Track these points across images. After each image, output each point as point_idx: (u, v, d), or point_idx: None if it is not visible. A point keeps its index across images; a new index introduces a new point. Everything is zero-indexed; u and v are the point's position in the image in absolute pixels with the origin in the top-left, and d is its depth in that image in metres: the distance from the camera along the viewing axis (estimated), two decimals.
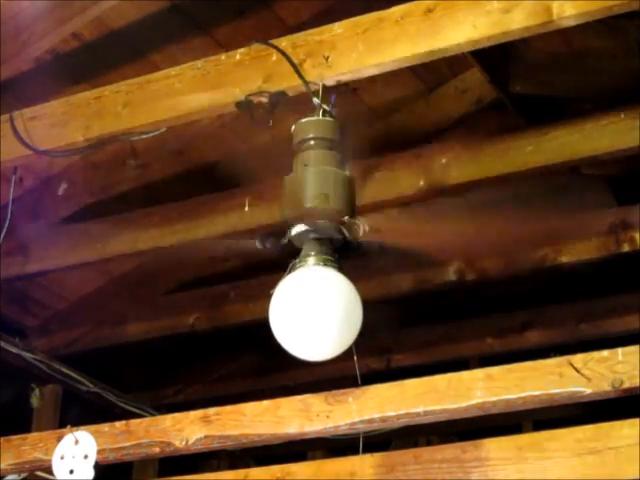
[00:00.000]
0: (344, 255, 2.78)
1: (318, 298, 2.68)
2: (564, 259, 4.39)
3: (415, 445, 5.72)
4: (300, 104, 2.93)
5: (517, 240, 4.27)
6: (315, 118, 2.82)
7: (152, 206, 4.42)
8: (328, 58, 2.88)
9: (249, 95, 2.96)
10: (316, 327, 2.67)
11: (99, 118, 3.22)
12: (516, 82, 4.23)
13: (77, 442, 2.99)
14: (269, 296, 2.74)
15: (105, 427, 3.00)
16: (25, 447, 3.09)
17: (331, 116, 2.82)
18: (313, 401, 2.76)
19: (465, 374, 2.67)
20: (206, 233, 4.27)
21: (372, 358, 5.29)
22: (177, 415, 2.93)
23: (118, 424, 3.00)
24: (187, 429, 2.88)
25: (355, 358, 2.81)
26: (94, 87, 3.36)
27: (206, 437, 2.86)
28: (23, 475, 3.94)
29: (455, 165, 3.96)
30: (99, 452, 2.96)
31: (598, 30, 3.99)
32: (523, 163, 3.90)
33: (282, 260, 2.80)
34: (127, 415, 4.85)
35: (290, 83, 2.92)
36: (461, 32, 2.75)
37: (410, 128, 4.47)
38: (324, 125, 2.81)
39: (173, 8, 3.85)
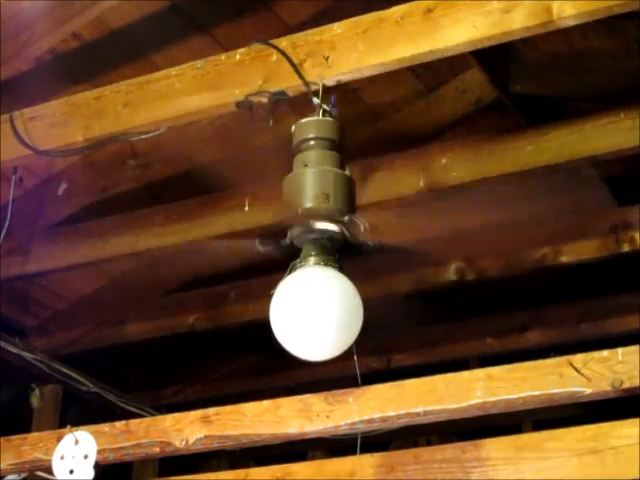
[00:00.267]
0: (344, 255, 2.78)
1: (318, 298, 2.68)
2: (564, 259, 4.39)
3: (415, 445, 5.72)
4: (300, 104, 2.94)
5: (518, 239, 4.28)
6: (315, 118, 2.82)
7: (152, 206, 4.42)
8: (328, 58, 2.88)
9: (249, 95, 2.96)
10: (316, 327, 2.67)
11: (99, 118, 3.22)
12: (516, 82, 4.23)
13: (77, 442, 2.99)
14: (269, 296, 2.74)
15: (105, 427, 3.00)
16: (25, 447, 3.09)
17: (331, 116, 2.82)
18: (313, 401, 2.76)
19: (465, 374, 2.67)
20: (206, 233, 4.27)
21: (372, 358, 5.29)
22: (177, 415, 2.93)
23: (118, 424, 3.00)
24: (187, 429, 2.88)
25: (355, 358, 2.81)
26: (94, 87, 3.36)
27: (206, 437, 2.86)
28: (23, 475, 3.94)
29: (455, 165, 3.96)
30: (99, 452, 2.96)
31: (598, 30, 3.99)
32: (523, 163, 3.90)
33: (282, 260, 2.80)
34: (127, 415, 4.85)
35: (290, 83, 2.92)
36: (461, 32, 2.75)
37: (410, 128, 4.48)
38: (324, 125, 2.81)
39: (173, 8, 3.85)
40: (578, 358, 2.54)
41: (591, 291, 4.99)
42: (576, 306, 5.06)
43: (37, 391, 5.18)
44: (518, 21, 2.69)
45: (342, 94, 3.04)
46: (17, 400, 5.18)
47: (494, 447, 2.68)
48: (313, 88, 2.87)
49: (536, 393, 2.56)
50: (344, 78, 2.92)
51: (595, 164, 4.13)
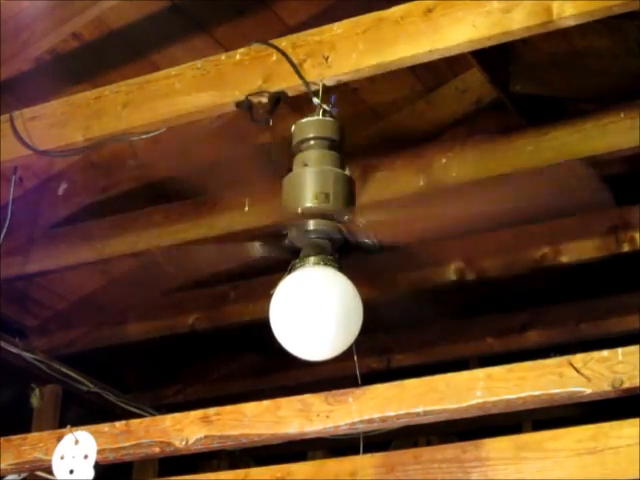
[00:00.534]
0: (344, 255, 2.78)
1: (318, 298, 2.68)
2: (564, 259, 4.39)
3: (415, 445, 5.72)
4: (300, 104, 2.94)
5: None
6: (315, 118, 2.82)
7: (152, 206, 4.42)
8: (328, 58, 2.88)
9: (249, 95, 2.96)
10: (316, 327, 2.67)
11: (99, 118, 3.22)
12: (516, 82, 4.23)
13: (77, 442, 2.99)
14: (269, 296, 2.74)
15: (105, 427, 3.00)
16: (25, 447, 3.09)
17: (331, 116, 2.82)
18: (313, 401, 2.76)
19: (465, 374, 2.67)
20: (206, 233, 4.27)
21: (372, 358, 5.29)
22: (177, 415, 2.93)
23: (118, 424, 3.00)
24: (187, 429, 2.88)
25: (355, 358, 2.82)
26: (94, 87, 3.36)
27: (206, 437, 2.86)
28: (23, 475, 3.94)
29: (455, 165, 3.96)
30: (99, 452, 2.96)
31: (598, 30, 3.99)
32: (523, 163, 3.90)
33: (282, 260, 2.80)
34: (127, 415, 4.85)
35: (290, 83, 2.92)
36: (461, 32, 2.75)
37: (410, 128, 4.47)
38: (324, 125, 2.81)
39: (173, 8, 3.85)
40: (578, 358, 2.54)
41: (591, 291, 4.98)
42: (576, 306, 5.06)
43: (37, 391, 5.18)
44: (518, 21, 2.69)
45: (342, 94, 3.04)
46: (17, 400, 5.18)
47: (494, 447, 2.68)
48: (313, 88, 2.87)
49: (536, 393, 2.56)
50: (344, 78, 2.92)
51: (595, 164, 4.13)
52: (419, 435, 5.89)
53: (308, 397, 2.78)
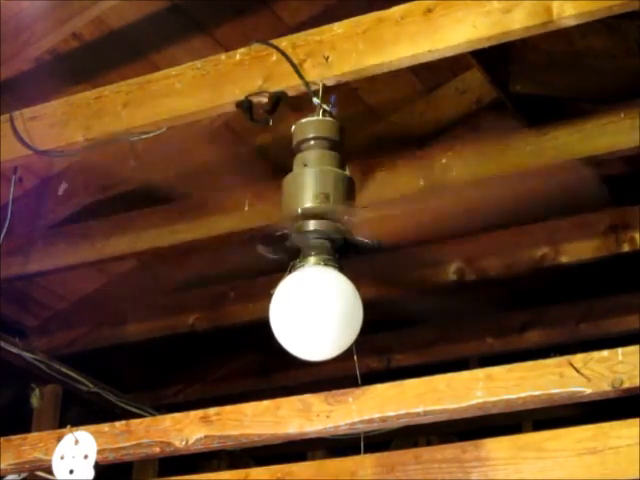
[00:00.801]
0: (344, 255, 2.78)
1: (318, 298, 2.68)
2: (564, 259, 4.39)
3: (415, 445, 5.71)
4: (300, 104, 2.94)
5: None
6: (315, 118, 2.82)
7: (152, 206, 4.42)
8: (328, 58, 2.88)
9: (249, 95, 2.96)
10: (316, 327, 2.67)
11: (99, 118, 3.22)
12: (516, 82, 4.23)
13: (77, 442, 2.99)
14: (269, 296, 2.74)
15: (105, 427, 3.00)
16: (25, 447, 3.08)
17: (331, 116, 2.83)
18: (313, 401, 2.76)
19: (465, 374, 2.67)
20: (206, 233, 4.27)
21: (372, 358, 5.29)
22: (177, 415, 2.93)
23: (118, 424, 3.00)
24: (187, 429, 2.88)
25: (355, 358, 2.81)
26: (94, 87, 3.36)
27: (206, 437, 2.86)
28: (23, 475, 3.94)
29: (455, 165, 3.96)
30: (99, 452, 2.96)
31: (598, 30, 3.99)
32: (523, 163, 3.90)
33: (282, 260, 2.80)
34: (127, 415, 4.85)
35: (290, 83, 2.92)
36: (461, 32, 2.75)
37: (410, 128, 4.48)
38: (324, 125, 2.81)
39: (173, 8, 3.85)
40: (578, 358, 2.54)
41: (591, 291, 4.98)
42: (576, 306, 5.06)
43: (37, 391, 5.18)
44: (518, 21, 2.69)
45: (342, 94, 3.04)
46: (17, 400, 5.18)
47: (494, 447, 2.68)
48: (313, 88, 2.87)
49: (536, 393, 2.56)
50: (344, 78, 2.92)
51: (595, 164, 4.13)
52: (419, 435, 5.88)
53: (308, 397, 2.77)
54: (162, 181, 4.44)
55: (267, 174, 4.02)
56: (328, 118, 2.82)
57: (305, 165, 2.77)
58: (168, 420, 2.93)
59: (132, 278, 5.11)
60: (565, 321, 5.06)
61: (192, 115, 3.13)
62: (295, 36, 2.98)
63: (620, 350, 2.51)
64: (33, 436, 3.15)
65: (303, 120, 2.83)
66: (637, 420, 2.53)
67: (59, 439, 3.01)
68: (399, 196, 4.02)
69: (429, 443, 5.82)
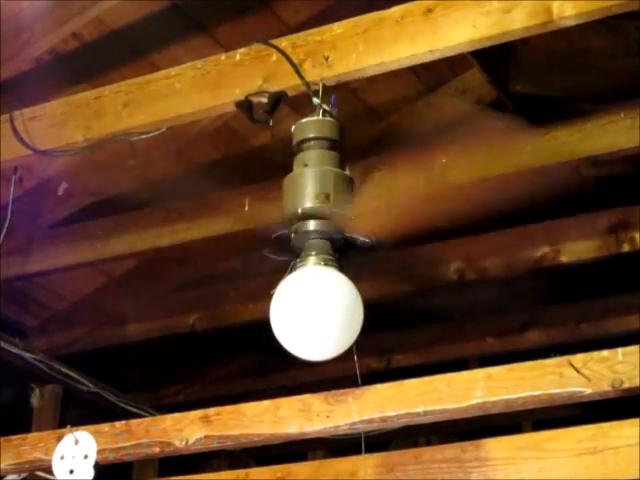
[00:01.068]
0: (344, 255, 2.78)
1: (319, 298, 2.68)
2: (564, 259, 4.39)
3: (415, 445, 5.72)
4: (300, 104, 2.94)
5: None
6: (315, 118, 2.82)
7: (152, 206, 4.42)
8: (328, 58, 2.88)
9: (249, 95, 2.96)
10: (317, 327, 2.67)
11: (99, 118, 3.22)
12: (516, 82, 4.23)
13: (77, 442, 2.99)
14: (269, 296, 2.74)
15: (105, 427, 3.00)
16: (25, 447, 3.09)
17: (331, 116, 2.82)
18: (313, 401, 2.76)
19: (465, 374, 2.67)
20: (206, 233, 4.27)
21: (372, 358, 5.29)
22: (177, 415, 2.93)
23: (118, 424, 3.00)
24: (187, 429, 2.88)
25: (355, 358, 2.81)
26: (94, 87, 3.36)
27: (206, 437, 2.86)
28: (23, 475, 3.94)
29: (455, 165, 3.96)
30: (99, 452, 2.96)
31: (598, 30, 3.99)
32: (523, 163, 3.90)
33: (282, 260, 2.80)
34: (127, 415, 4.85)
35: (290, 83, 2.92)
36: (461, 32, 2.75)
37: (410, 128, 4.48)
38: (324, 125, 2.81)
39: (173, 8, 3.85)
40: (578, 358, 2.54)
41: (591, 291, 4.99)
42: (576, 306, 5.06)
43: (37, 391, 5.18)
44: (518, 21, 2.70)
45: (342, 94, 3.04)
46: (17, 400, 5.18)
47: (494, 447, 2.68)
48: (313, 88, 2.87)
49: (536, 393, 2.56)
50: (344, 78, 2.92)
51: (595, 164, 4.13)
52: (419, 435, 5.89)
53: (308, 397, 2.78)
54: (162, 181, 4.44)
55: (267, 174, 4.02)
56: (328, 118, 2.82)
57: (305, 165, 2.77)
58: (168, 420, 2.93)
59: (132, 278, 5.11)
60: (565, 321, 5.06)
61: (192, 115, 3.13)
62: (295, 36, 2.98)
63: (620, 350, 2.51)
64: (33, 436, 3.15)
65: (303, 120, 2.82)
66: (637, 420, 2.53)
67: (59, 439, 3.01)
68: (399, 196, 4.02)
69: (429, 443, 5.82)
